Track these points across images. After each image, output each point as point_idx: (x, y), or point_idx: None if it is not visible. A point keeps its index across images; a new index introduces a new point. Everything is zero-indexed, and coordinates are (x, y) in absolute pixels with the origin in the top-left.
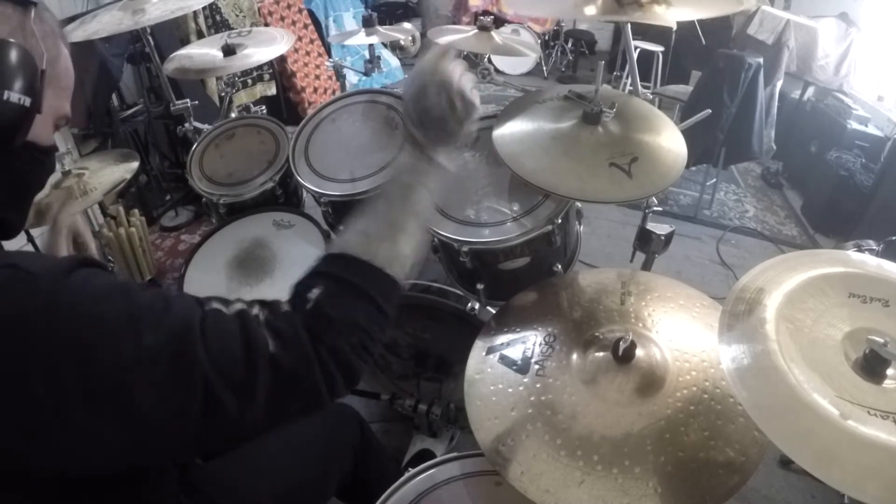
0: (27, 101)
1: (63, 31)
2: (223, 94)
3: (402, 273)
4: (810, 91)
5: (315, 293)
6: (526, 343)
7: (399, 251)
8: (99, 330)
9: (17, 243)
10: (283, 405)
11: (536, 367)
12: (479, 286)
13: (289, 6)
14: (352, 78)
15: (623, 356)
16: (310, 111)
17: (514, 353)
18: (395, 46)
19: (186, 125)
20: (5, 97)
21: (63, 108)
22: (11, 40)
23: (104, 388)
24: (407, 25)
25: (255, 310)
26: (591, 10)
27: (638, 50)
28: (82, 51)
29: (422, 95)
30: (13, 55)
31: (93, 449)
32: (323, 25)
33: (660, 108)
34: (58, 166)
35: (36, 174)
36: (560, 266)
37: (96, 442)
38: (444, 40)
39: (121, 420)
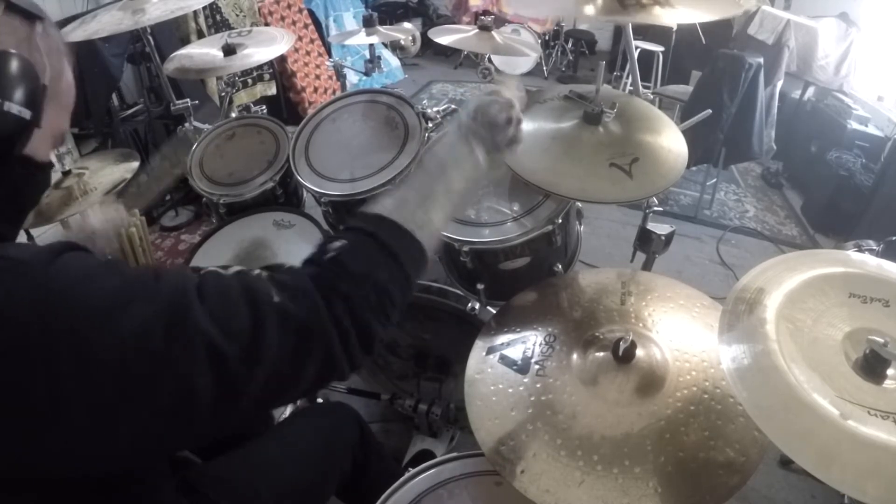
0: (27, 114)
1: (68, 50)
2: (223, 93)
3: (429, 242)
4: (810, 91)
5: (337, 244)
6: (526, 343)
7: (430, 219)
8: (91, 311)
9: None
10: (294, 362)
11: (536, 367)
12: (480, 286)
13: (289, 6)
14: (352, 78)
15: (623, 356)
16: (310, 111)
17: (515, 353)
18: (395, 46)
19: (186, 125)
20: (5, 108)
21: (62, 126)
22: (15, 52)
23: (104, 370)
24: (407, 25)
25: (257, 270)
26: (591, 11)
27: (638, 50)
28: (82, 51)
29: (491, 104)
30: (16, 67)
31: (98, 440)
32: (323, 25)
33: (660, 108)
34: (58, 166)
35: (31, 189)
36: (560, 266)
37: (102, 432)
38: (444, 40)
39: (124, 400)
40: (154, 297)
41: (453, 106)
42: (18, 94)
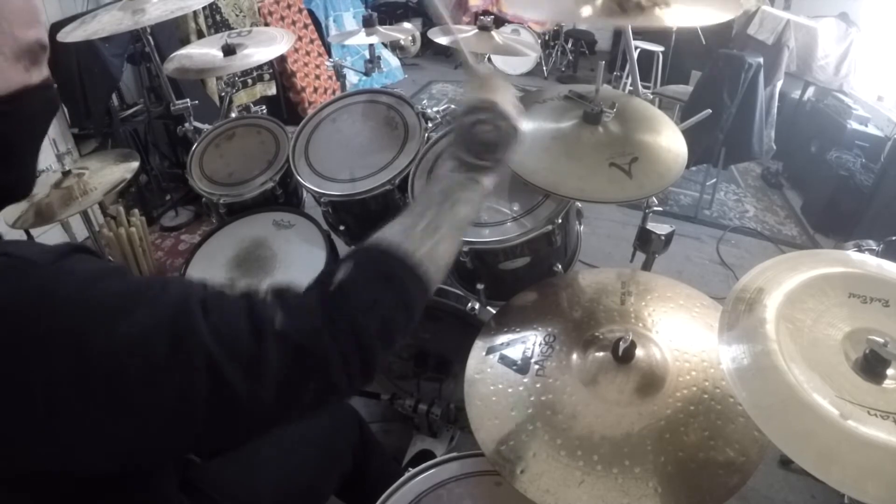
0: None
1: None
2: (223, 93)
3: (434, 275)
4: (810, 91)
5: (342, 274)
6: (526, 343)
7: (438, 254)
8: (92, 313)
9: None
10: (294, 385)
11: (536, 367)
12: (480, 286)
13: (289, 6)
14: (352, 78)
15: (623, 356)
16: (310, 111)
17: (514, 353)
18: (395, 46)
19: (186, 125)
20: None
21: (25, 38)
22: None
23: (101, 374)
24: (407, 25)
25: (263, 291)
26: (591, 13)
27: (638, 50)
28: (82, 51)
29: (472, 127)
30: None
31: (94, 443)
32: (323, 25)
33: (660, 108)
34: (57, 166)
35: (19, 124)
36: (560, 266)
37: (96, 435)
38: (444, 40)
39: (119, 408)
40: (159, 307)
41: (453, 106)
42: None
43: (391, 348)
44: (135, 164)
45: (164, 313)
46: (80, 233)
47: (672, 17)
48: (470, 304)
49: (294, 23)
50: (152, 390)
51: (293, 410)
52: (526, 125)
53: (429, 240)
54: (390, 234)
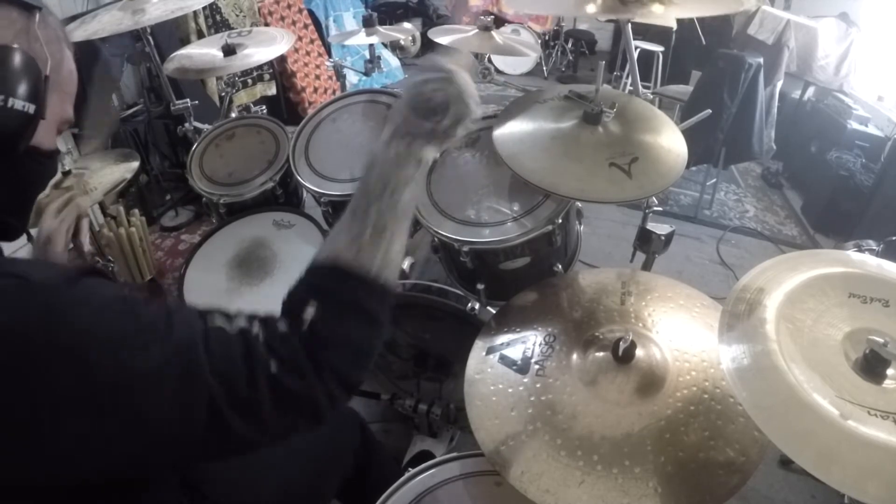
0: (31, 108)
1: (67, 35)
2: (223, 93)
3: (394, 277)
4: (810, 91)
5: (310, 313)
6: (526, 343)
7: (391, 257)
8: (100, 342)
9: (16, 243)
10: (285, 422)
11: (536, 367)
12: (480, 286)
13: (289, 6)
14: (352, 78)
15: (623, 356)
16: (310, 111)
17: (514, 353)
18: (395, 46)
19: (186, 125)
20: (9, 104)
21: (66, 113)
22: (15, 46)
23: (106, 402)
24: (407, 25)
25: (256, 328)
26: (592, 8)
27: (638, 50)
28: (82, 51)
29: (423, 85)
30: (17, 61)
31: (93, 460)
32: (323, 25)
33: (660, 108)
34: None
35: (37, 177)
36: (560, 266)
37: (97, 453)
38: (445, 40)
39: (124, 433)
40: (165, 345)
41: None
42: (21, 88)
43: (369, 365)
44: (135, 164)
45: (174, 353)
46: None
47: (671, 12)
48: (470, 304)
49: (294, 23)
50: (158, 421)
51: (282, 438)
52: (526, 125)
53: (380, 246)
54: (341, 247)
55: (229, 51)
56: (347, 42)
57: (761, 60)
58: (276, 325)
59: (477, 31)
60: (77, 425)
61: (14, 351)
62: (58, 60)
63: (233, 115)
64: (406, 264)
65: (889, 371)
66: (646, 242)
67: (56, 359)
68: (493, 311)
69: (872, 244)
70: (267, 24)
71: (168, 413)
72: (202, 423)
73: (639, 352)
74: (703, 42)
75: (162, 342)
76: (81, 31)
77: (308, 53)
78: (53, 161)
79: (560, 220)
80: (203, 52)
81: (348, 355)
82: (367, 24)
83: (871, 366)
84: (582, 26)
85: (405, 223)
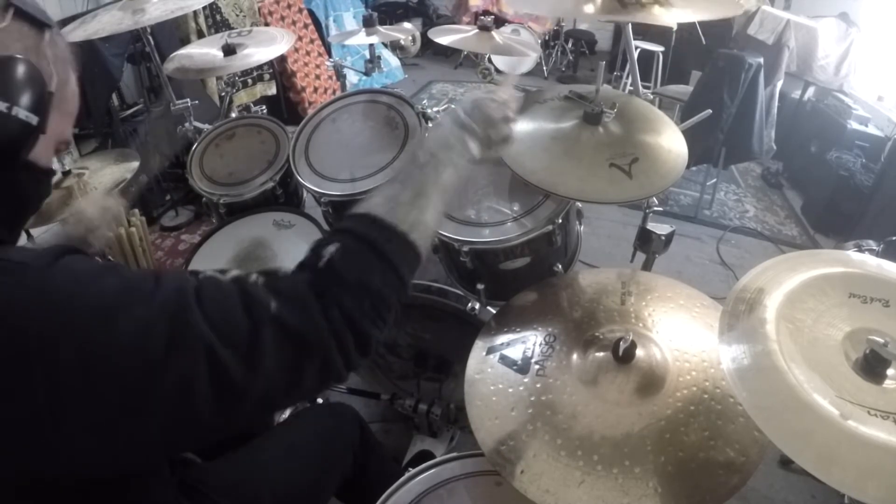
0: (34, 120)
1: (73, 58)
2: (223, 93)
3: (423, 242)
4: (810, 91)
5: (331, 249)
6: (526, 343)
7: (425, 219)
8: (91, 310)
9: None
10: (292, 369)
11: (536, 367)
12: (480, 286)
13: (289, 6)
14: (352, 78)
15: (623, 356)
16: (310, 111)
17: (515, 353)
18: (395, 46)
19: (187, 125)
20: (13, 112)
21: (65, 134)
22: (24, 57)
23: (104, 370)
24: (407, 25)
25: (254, 276)
26: (591, 10)
27: (638, 50)
28: (82, 51)
29: (488, 99)
30: (24, 72)
31: (101, 442)
32: (323, 25)
33: (660, 108)
34: (58, 166)
35: (32, 194)
36: (560, 266)
37: (103, 433)
38: (444, 40)
39: (123, 402)
40: (154, 301)
41: (453, 106)
42: (25, 99)
43: (384, 323)
44: (135, 164)
45: (161, 306)
46: None
47: (671, 15)
48: (470, 304)
49: (294, 23)
50: (154, 383)
51: (293, 393)
52: (526, 125)
53: (415, 206)
54: (376, 202)
55: (229, 51)
56: (347, 42)
57: (761, 60)
58: (277, 271)
59: (477, 31)
60: (80, 404)
61: (11, 330)
62: (63, 80)
63: (233, 114)
64: None
65: (889, 371)
66: (646, 242)
67: (54, 333)
68: (493, 311)
69: (872, 244)
70: (267, 24)
71: (163, 370)
72: (202, 374)
73: (639, 352)
74: (704, 42)
75: (147, 298)
76: (81, 31)
77: (308, 53)
78: (48, 180)
79: (560, 220)
80: (203, 51)
81: (363, 298)
82: (367, 23)
83: (872, 366)
84: (582, 26)
85: (443, 199)
